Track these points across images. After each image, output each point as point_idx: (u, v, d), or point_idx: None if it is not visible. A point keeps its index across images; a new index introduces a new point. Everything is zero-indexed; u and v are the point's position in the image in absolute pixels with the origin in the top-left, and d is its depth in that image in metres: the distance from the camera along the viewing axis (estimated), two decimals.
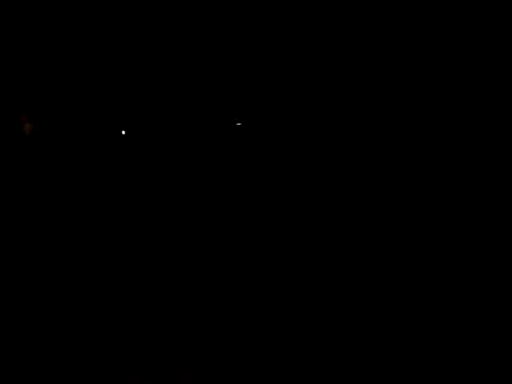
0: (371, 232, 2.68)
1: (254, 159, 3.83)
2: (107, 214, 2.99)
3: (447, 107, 3.95)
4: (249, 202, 3.16)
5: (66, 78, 3.85)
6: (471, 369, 1.57)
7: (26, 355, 1.76)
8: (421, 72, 4.05)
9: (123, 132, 3.76)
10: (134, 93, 4.15)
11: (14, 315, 2.05)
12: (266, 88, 4.25)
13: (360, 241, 2.60)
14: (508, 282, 2.12)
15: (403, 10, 3.97)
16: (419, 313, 1.95)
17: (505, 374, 1.53)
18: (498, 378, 1.52)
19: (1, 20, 3.60)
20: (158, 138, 4.06)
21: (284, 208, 3.04)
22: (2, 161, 3.24)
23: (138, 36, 4.03)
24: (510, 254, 2.37)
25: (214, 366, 1.68)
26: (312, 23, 3.98)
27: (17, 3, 3.65)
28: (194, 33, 4.11)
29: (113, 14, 3.89)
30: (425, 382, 1.54)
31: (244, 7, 3.99)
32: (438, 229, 2.82)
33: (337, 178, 3.41)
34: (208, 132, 4.19)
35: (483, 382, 1.52)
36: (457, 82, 3.91)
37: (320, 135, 4.02)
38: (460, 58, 3.89)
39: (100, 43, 3.94)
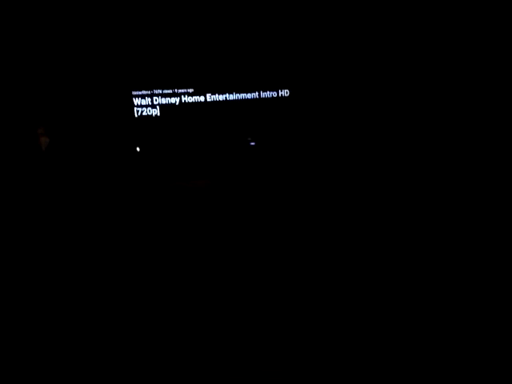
0: (385, 250, 2.64)
1: (266, 180, 3.80)
2: (112, 229, 2.98)
3: (447, 107, 3.95)
4: (260, 224, 3.06)
5: (83, 93, 3.96)
6: (471, 369, 1.57)
7: (26, 355, 1.76)
8: (421, 72, 4.05)
9: (138, 149, 3.82)
10: (149, 108, 4.18)
11: (15, 315, 2.05)
12: (279, 109, 4.33)
13: (373, 261, 2.56)
14: (508, 282, 2.12)
15: (403, 9, 3.97)
16: (419, 313, 1.95)
17: (505, 374, 1.52)
18: (498, 378, 1.52)
19: (20, 36, 3.65)
20: (170, 154, 4.12)
21: (298, 231, 2.95)
22: (18, 173, 3.29)
23: (151, 53, 4.12)
24: (510, 254, 2.36)
25: (214, 366, 1.68)
26: (330, 48, 4.07)
27: (38, 19, 3.72)
28: (209, 51, 4.22)
29: (136, 37, 4.01)
30: (425, 382, 1.54)
31: (264, 33, 4.13)
32: (438, 229, 2.82)
33: (352, 199, 3.38)
34: (220, 151, 4.21)
35: (483, 382, 1.52)
36: (457, 82, 3.91)
37: (334, 155, 4.04)
38: (460, 59, 3.89)
39: (115, 60, 4.03)
